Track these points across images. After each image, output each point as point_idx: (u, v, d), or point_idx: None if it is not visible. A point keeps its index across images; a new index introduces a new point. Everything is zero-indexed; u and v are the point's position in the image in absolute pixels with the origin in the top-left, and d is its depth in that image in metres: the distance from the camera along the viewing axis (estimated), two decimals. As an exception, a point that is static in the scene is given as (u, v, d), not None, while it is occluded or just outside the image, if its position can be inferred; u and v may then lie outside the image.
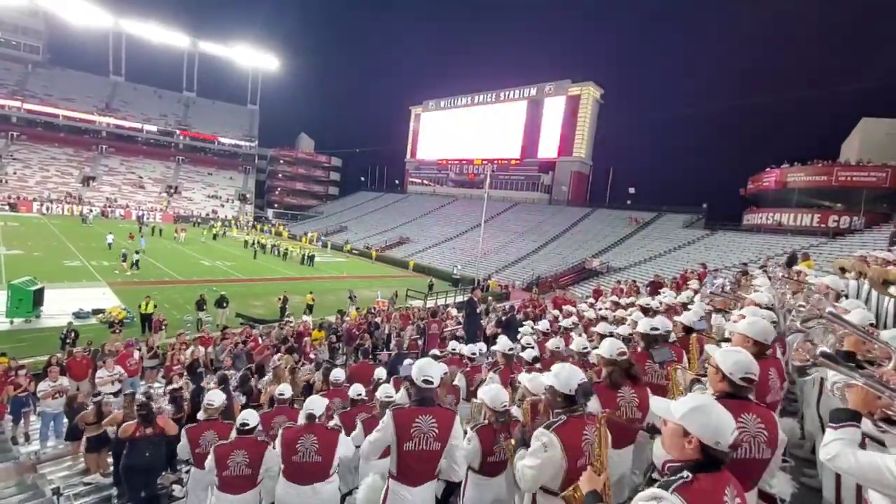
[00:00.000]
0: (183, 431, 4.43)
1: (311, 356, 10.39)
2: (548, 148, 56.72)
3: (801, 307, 4.21)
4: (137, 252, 25.45)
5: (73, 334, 12.54)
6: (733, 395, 2.06)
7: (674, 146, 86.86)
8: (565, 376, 2.44)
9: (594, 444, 2.31)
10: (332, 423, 3.79)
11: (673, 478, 1.46)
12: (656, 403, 1.64)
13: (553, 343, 4.63)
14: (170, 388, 7.81)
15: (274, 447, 3.72)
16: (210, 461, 3.67)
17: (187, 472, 4.78)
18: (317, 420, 3.59)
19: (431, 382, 2.89)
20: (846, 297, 4.53)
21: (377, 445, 2.90)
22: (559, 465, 2.32)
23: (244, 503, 3.69)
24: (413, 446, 2.79)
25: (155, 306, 15.86)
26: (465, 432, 3.01)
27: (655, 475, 2.49)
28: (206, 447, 4.13)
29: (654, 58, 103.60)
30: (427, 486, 2.92)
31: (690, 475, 1.44)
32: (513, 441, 2.73)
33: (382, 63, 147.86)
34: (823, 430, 2.91)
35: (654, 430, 1.74)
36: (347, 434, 3.86)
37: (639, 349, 3.82)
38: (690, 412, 1.51)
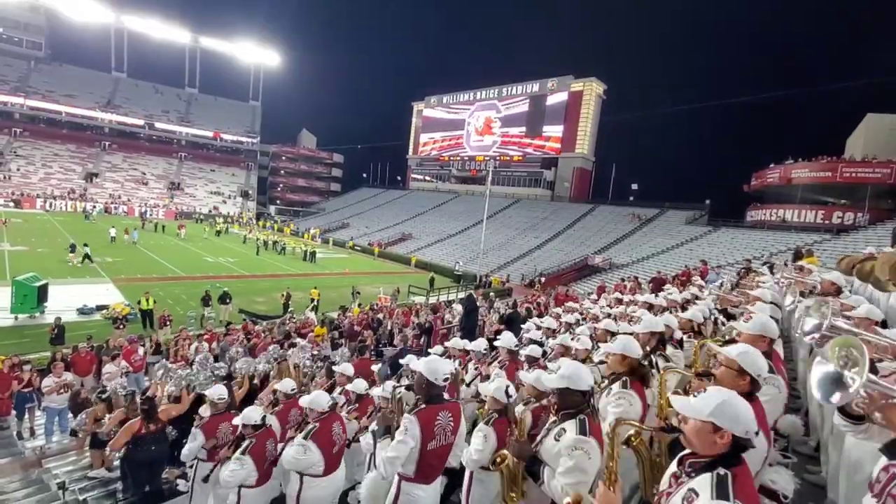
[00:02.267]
0: (197, 430, 4.41)
1: (314, 352, 10.38)
2: (550, 144, 56.56)
3: (807, 308, 4.19)
4: (86, 245, 24.94)
5: (56, 330, 12.61)
6: (751, 394, 2.05)
7: (677, 142, 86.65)
8: (577, 375, 2.41)
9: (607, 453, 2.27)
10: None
11: (717, 481, 1.45)
12: (678, 402, 1.62)
13: (558, 340, 4.62)
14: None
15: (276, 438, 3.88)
16: (248, 466, 3.65)
17: (191, 466, 4.80)
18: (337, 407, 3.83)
19: (448, 380, 2.87)
20: (850, 292, 4.52)
21: (404, 453, 2.67)
22: (598, 470, 2.25)
23: (275, 486, 3.96)
24: (436, 444, 2.78)
25: (154, 302, 15.91)
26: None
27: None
28: (222, 438, 4.33)
29: (658, 53, 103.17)
30: (437, 482, 2.95)
31: (728, 472, 1.46)
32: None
33: (384, 59, 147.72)
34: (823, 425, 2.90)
35: (673, 430, 1.72)
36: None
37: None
38: (719, 408, 1.51)
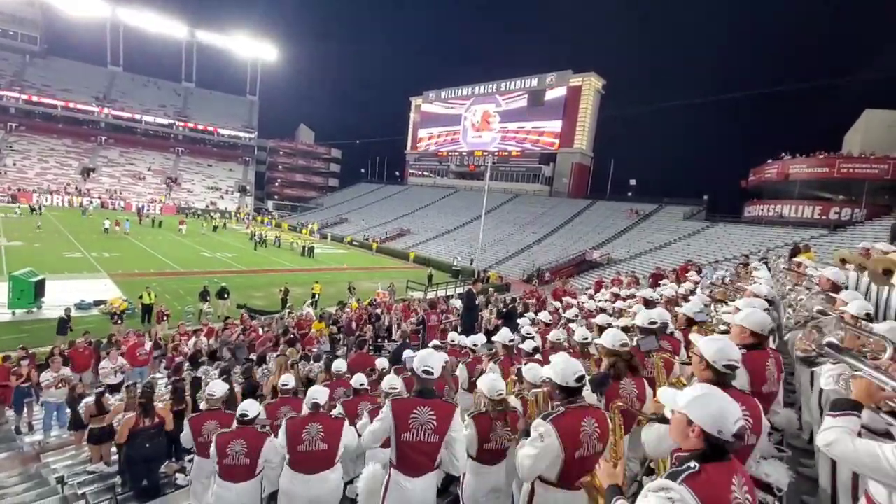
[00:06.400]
0: (185, 421, 4.47)
1: (314, 349, 10.41)
2: (549, 139, 56.45)
3: (799, 300, 4.22)
4: None
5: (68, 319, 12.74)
6: (718, 383, 2.05)
7: (675, 137, 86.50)
8: (563, 369, 2.46)
9: (598, 434, 2.35)
10: (335, 412, 3.80)
11: (681, 468, 1.48)
12: (663, 393, 1.67)
13: (554, 334, 4.64)
14: (173, 378, 7.85)
15: (275, 437, 3.73)
16: (212, 449, 3.70)
17: (190, 460, 4.83)
18: (321, 409, 3.61)
19: (431, 373, 2.88)
20: (846, 288, 4.54)
21: (377, 435, 2.94)
22: (556, 456, 2.35)
23: (243, 492, 3.70)
24: (410, 437, 2.80)
25: (155, 296, 15.93)
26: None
27: (654, 464, 2.54)
28: (208, 436, 4.13)
29: (657, 49, 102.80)
30: (427, 478, 2.92)
31: (697, 465, 1.46)
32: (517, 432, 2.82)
33: (382, 54, 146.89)
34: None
35: (663, 420, 1.77)
36: (351, 423, 3.86)
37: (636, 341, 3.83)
38: (693, 400, 1.54)
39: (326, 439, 3.50)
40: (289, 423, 3.55)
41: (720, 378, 2.09)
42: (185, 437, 4.42)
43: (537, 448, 2.34)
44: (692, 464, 1.47)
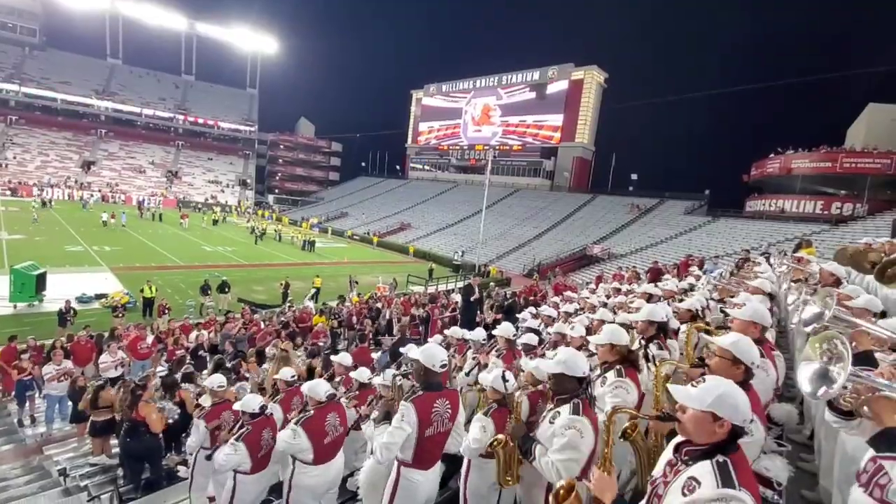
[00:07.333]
0: (199, 422, 4.41)
1: (320, 343, 10.40)
2: (550, 133, 56.20)
3: (806, 295, 4.20)
4: None
5: (72, 312, 12.83)
6: (744, 382, 2.05)
7: (677, 132, 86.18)
8: (573, 361, 2.46)
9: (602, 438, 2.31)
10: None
11: (718, 469, 1.46)
12: (678, 392, 1.63)
13: (556, 328, 4.63)
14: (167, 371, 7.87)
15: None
16: (241, 453, 3.66)
17: (192, 453, 4.82)
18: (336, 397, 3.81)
19: (447, 366, 2.92)
20: (847, 282, 4.53)
21: (399, 439, 2.75)
22: (591, 452, 2.31)
23: (266, 476, 3.93)
24: (433, 431, 2.82)
25: (156, 290, 15.96)
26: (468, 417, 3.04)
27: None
28: (225, 426, 4.31)
29: (659, 42, 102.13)
30: (436, 468, 2.98)
31: (727, 459, 1.48)
32: (509, 433, 2.64)
33: (383, 47, 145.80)
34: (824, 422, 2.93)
35: (670, 419, 1.73)
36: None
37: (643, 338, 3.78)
38: (719, 399, 1.52)
39: (342, 423, 3.70)
40: (306, 423, 3.49)
41: (749, 378, 2.09)
42: (199, 439, 4.37)
43: (578, 448, 2.26)
44: (720, 458, 1.48)
